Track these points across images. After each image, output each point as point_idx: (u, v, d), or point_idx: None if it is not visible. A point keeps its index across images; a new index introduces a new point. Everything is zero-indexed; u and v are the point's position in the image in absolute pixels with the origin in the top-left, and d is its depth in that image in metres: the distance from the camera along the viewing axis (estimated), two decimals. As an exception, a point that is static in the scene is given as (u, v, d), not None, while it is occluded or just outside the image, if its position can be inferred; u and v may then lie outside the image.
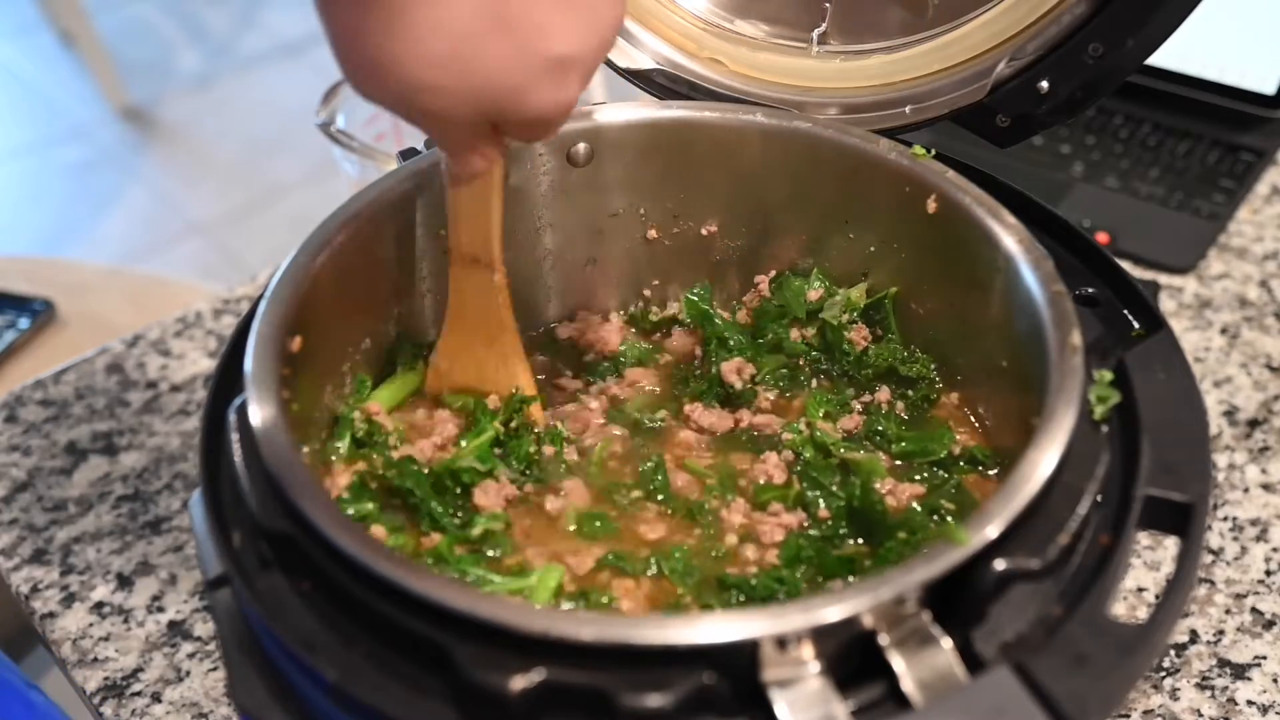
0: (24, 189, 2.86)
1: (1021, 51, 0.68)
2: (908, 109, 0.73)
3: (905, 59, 0.74)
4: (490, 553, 0.61)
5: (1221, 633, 0.78)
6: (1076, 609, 0.50)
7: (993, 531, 0.50)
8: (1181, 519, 0.54)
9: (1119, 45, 0.65)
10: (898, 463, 0.68)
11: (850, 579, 0.60)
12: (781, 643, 0.47)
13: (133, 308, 1.37)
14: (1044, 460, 0.52)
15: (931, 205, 0.68)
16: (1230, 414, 0.93)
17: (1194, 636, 0.78)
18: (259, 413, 0.56)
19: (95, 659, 0.79)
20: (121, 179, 2.87)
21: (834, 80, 0.76)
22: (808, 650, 0.47)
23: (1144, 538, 0.83)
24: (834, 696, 0.47)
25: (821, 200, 0.73)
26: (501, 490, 0.64)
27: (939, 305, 0.71)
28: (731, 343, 0.75)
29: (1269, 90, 1.15)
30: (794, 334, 0.75)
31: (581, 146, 0.72)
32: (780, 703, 0.47)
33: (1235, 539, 0.84)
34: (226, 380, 0.61)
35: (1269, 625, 0.79)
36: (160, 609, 0.82)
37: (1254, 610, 0.80)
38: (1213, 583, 0.81)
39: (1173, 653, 0.77)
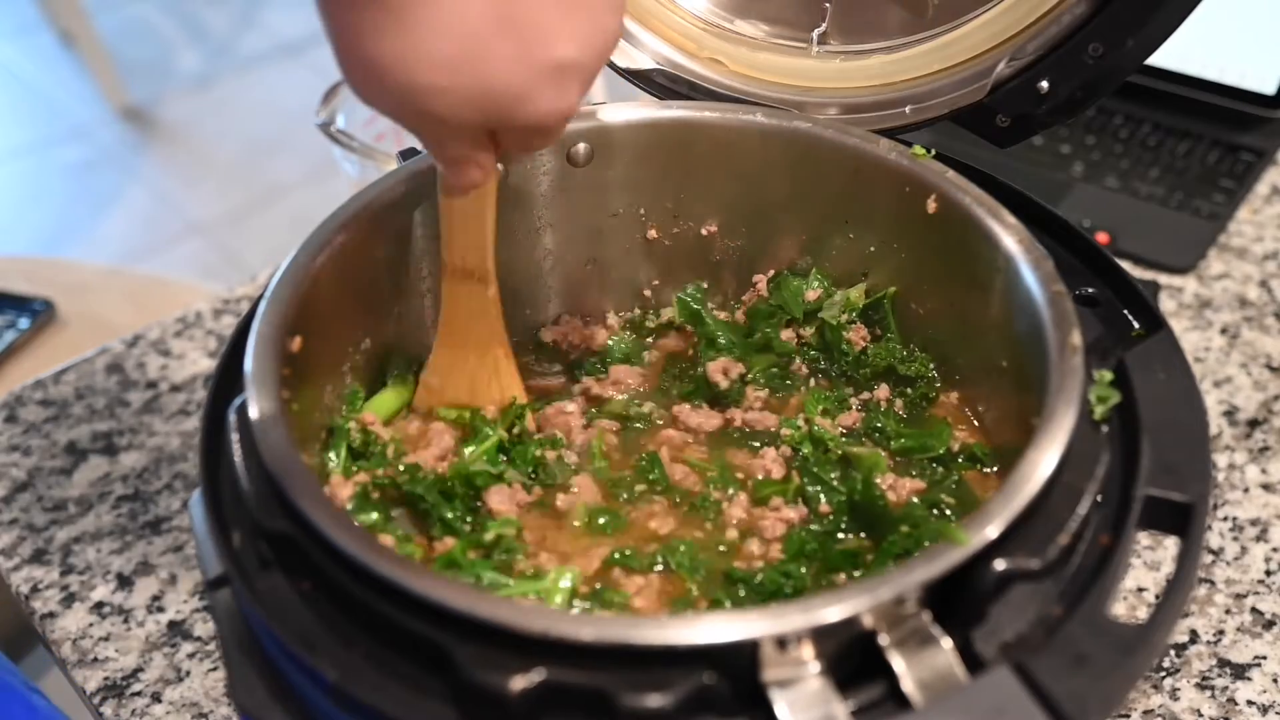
0: (24, 189, 2.86)
1: (1021, 51, 0.68)
2: (908, 109, 0.73)
3: (905, 59, 0.74)
4: (502, 557, 0.61)
5: (1221, 633, 0.78)
6: (1076, 609, 0.50)
7: (993, 531, 0.50)
8: (1181, 519, 0.54)
9: (1119, 45, 0.65)
10: (897, 459, 0.68)
11: (855, 573, 0.60)
12: (782, 643, 0.47)
13: (133, 308, 1.37)
14: (1044, 460, 0.52)
15: (931, 205, 0.68)
16: (1230, 414, 0.93)
17: (1194, 636, 0.78)
18: (259, 413, 0.56)
19: (95, 659, 0.79)
20: (121, 179, 2.87)
21: (834, 80, 0.76)
22: (808, 650, 0.47)
23: (1144, 538, 0.83)
24: (834, 696, 0.47)
25: (821, 200, 0.73)
26: (514, 496, 0.64)
27: (939, 305, 0.71)
28: (722, 342, 0.75)
29: (1269, 90, 1.15)
30: (785, 334, 0.75)
31: (581, 146, 0.72)
32: (780, 703, 0.47)
33: (1235, 539, 0.84)
34: (226, 380, 0.61)
35: (1269, 625, 0.79)
36: (160, 609, 0.82)
37: (1254, 610, 0.80)
38: (1213, 583, 0.81)
39: (1173, 653, 0.77)
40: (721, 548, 0.63)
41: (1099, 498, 0.54)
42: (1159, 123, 1.20)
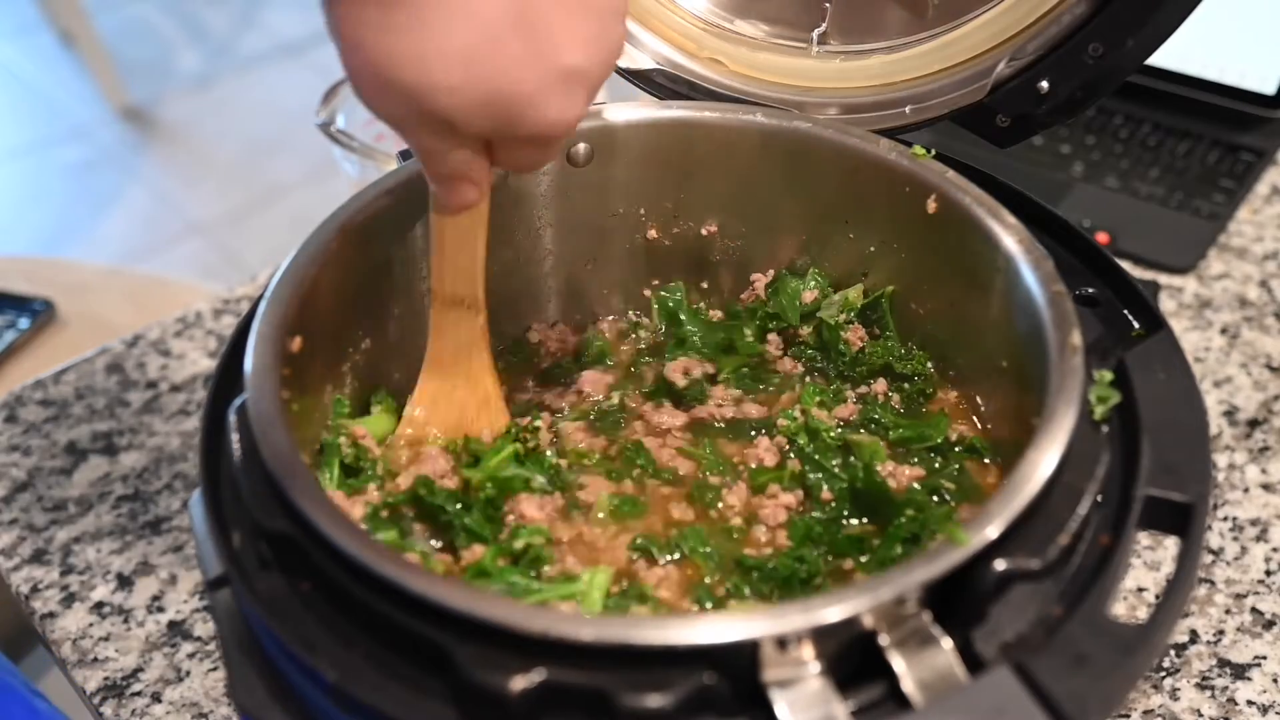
0: (24, 189, 2.86)
1: (1021, 51, 0.68)
2: (908, 109, 0.73)
3: (905, 59, 0.74)
4: (531, 563, 0.60)
5: (1221, 633, 0.78)
6: (1076, 609, 0.50)
7: (993, 532, 0.50)
8: (1181, 519, 0.54)
9: (1119, 45, 0.65)
10: (895, 449, 0.68)
11: (861, 558, 0.61)
12: (782, 643, 0.47)
13: (133, 308, 1.37)
14: (1044, 460, 0.52)
15: (931, 205, 0.68)
16: (1230, 414, 0.93)
17: (1194, 636, 0.78)
18: (259, 413, 0.56)
19: (95, 659, 0.79)
20: (121, 179, 2.87)
21: (834, 80, 0.76)
22: (808, 650, 0.47)
23: (1144, 538, 0.83)
24: (834, 697, 0.47)
25: (821, 200, 0.73)
26: (545, 504, 0.64)
27: (939, 305, 0.71)
28: (696, 341, 0.75)
29: (1269, 90, 1.15)
30: (772, 336, 0.75)
31: (581, 146, 0.72)
32: (780, 703, 0.47)
33: (1235, 539, 0.84)
34: (226, 380, 0.61)
35: (1269, 625, 0.79)
36: (160, 609, 0.82)
37: (1254, 610, 0.80)
38: (1213, 583, 0.81)
39: (1173, 653, 0.77)
40: (734, 535, 0.64)
41: (1099, 498, 0.54)
42: (1159, 123, 1.20)
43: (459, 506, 0.62)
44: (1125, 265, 0.69)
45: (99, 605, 0.83)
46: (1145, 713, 0.74)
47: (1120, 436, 0.57)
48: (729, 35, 0.79)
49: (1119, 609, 0.80)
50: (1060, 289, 0.60)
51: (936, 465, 0.67)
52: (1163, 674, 0.76)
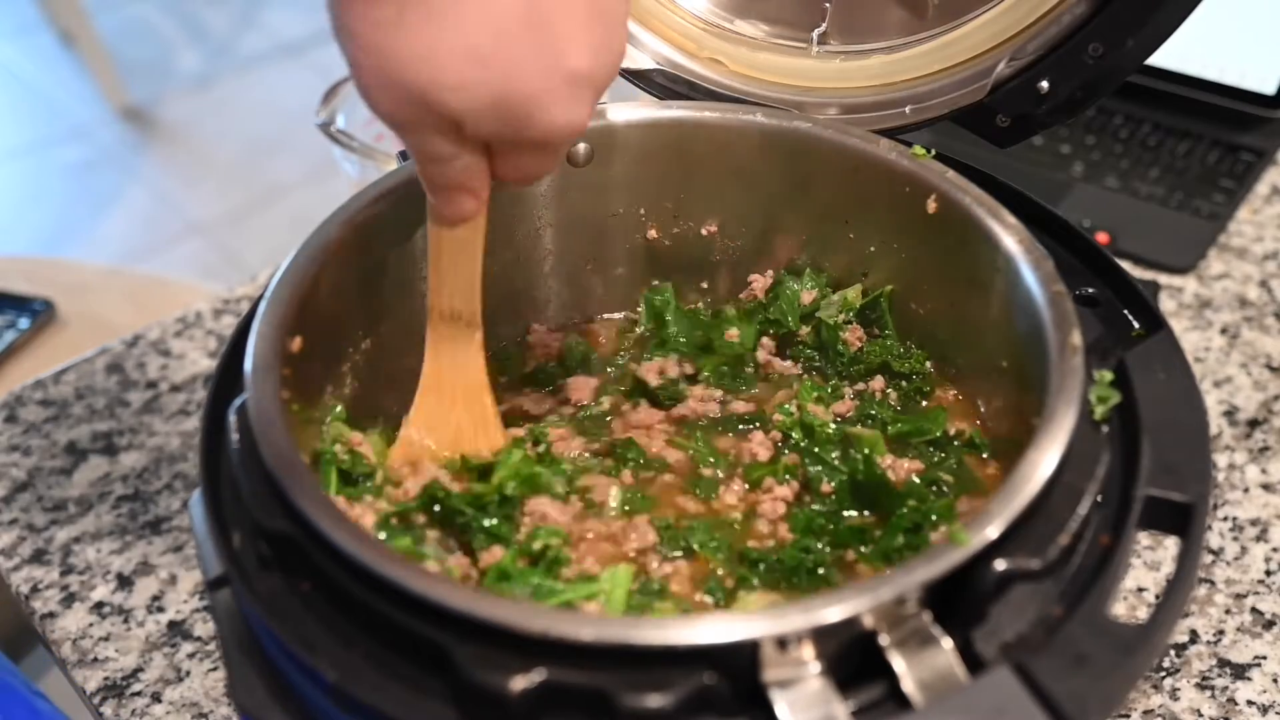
0: (24, 189, 2.86)
1: (1021, 51, 0.68)
2: (908, 109, 0.73)
3: (905, 59, 0.74)
4: (550, 565, 0.60)
5: (1221, 633, 0.78)
6: (1076, 609, 0.50)
7: (993, 532, 0.50)
8: (1181, 519, 0.54)
9: (1119, 45, 0.65)
10: (893, 444, 0.68)
11: (863, 548, 0.61)
12: (782, 643, 0.47)
13: (133, 308, 1.37)
14: (1044, 460, 0.52)
15: (931, 205, 0.68)
16: (1230, 414, 0.93)
17: (1194, 636, 0.78)
18: (259, 413, 0.56)
19: (95, 659, 0.79)
20: (121, 179, 2.87)
21: (834, 80, 0.76)
22: (808, 650, 0.47)
23: (1144, 538, 0.83)
24: (834, 697, 0.47)
25: (821, 200, 0.73)
26: (567, 509, 0.63)
27: (939, 305, 0.71)
28: (676, 341, 0.75)
29: (1269, 90, 1.15)
30: (766, 340, 0.75)
31: (581, 146, 0.72)
32: (781, 703, 0.47)
33: (1235, 539, 0.84)
34: (226, 380, 0.61)
35: (1269, 625, 0.79)
36: (160, 609, 0.82)
37: (1254, 610, 0.80)
38: (1213, 583, 0.81)
39: (1173, 653, 0.77)
40: (736, 528, 0.64)
41: (1099, 498, 0.54)
42: (1159, 123, 1.20)
43: (476, 509, 0.61)
44: (1125, 265, 0.69)
45: (99, 605, 0.83)
46: (1145, 713, 0.74)
47: (1120, 436, 0.57)
48: (729, 35, 0.79)
49: (1119, 609, 0.80)
50: (1060, 289, 0.60)
51: (935, 459, 0.67)
52: (1163, 674, 0.76)
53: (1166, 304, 1.03)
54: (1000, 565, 0.50)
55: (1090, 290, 0.65)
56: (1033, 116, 0.70)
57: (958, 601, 0.49)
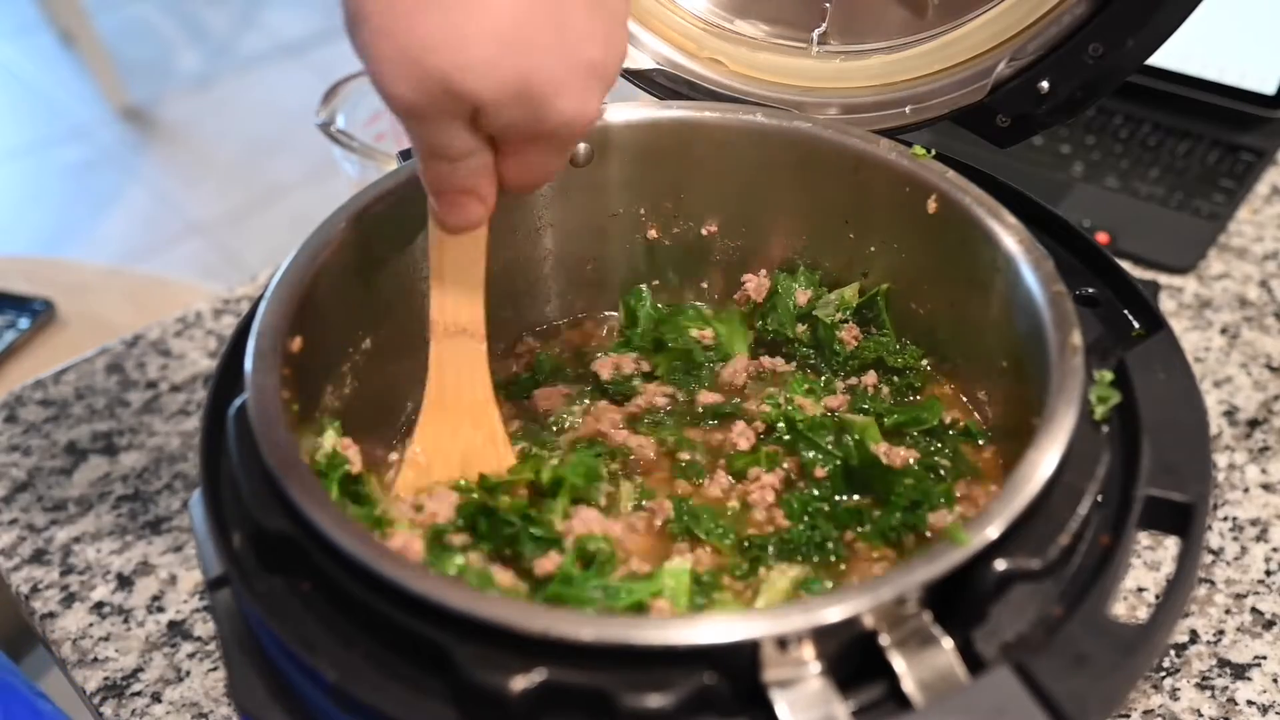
0: (24, 189, 2.86)
1: (1021, 51, 0.68)
2: (908, 109, 0.73)
3: (905, 59, 0.74)
4: (600, 568, 0.59)
5: (1221, 633, 0.78)
6: (1077, 609, 0.50)
7: (993, 532, 0.50)
8: (1181, 519, 0.54)
9: (1119, 45, 0.65)
10: (889, 435, 0.68)
11: (860, 528, 0.62)
12: (782, 643, 0.47)
13: (133, 308, 1.37)
14: (1044, 460, 0.52)
15: (931, 205, 0.68)
16: (1230, 414, 0.93)
17: (1194, 636, 0.78)
18: (259, 413, 0.56)
19: (95, 659, 0.79)
20: (121, 179, 2.87)
21: (834, 80, 0.76)
22: (808, 650, 0.47)
23: (1144, 538, 0.83)
24: (835, 697, 0.47)
25: (821, 200, 0.73)
26: (606, 523, 0.63)
27: (939, 305, 0.71)
28: (637, 339, 0.75)
29: (1269, 90, 1.15)
30: (696, 333, 0.75)
31: (582, 146, 0.72)
32: (781, 703, 0.47)
33: (1235, 539, 0.84)
34: (226, 380, 0.61)
35: (1269, 625, 0.79)
36: (160, 609, 0.82)
37: (1254, 610, 0.80)
38: (1213, 583, 0.81)
39: (1173, 653, 0.77)
40: (730, 512, 0.65)
41: (1099, 498, 0.54)
42: (1159, 123, 1.20)
43: (522, 517, 0.60)
44: (1125, 265, 0.69)
45: (99, 605, 0.83)
46: (1145, 713, 0.74)
47: (1120, 436, 0.57)
48: (729, 35, 0.79)
49: (1119, 609, 0.80)
50: (1060, 289, 0.60)
51: (931, 448, 0.67)
52: (1163, 674, 0.76)
53: (1166, 304, 1.03)
54: (1000, 565, 0.50)
55: (1090, 290, 0.65)
56: (1033, 116, 0.70)
57: (958, 601, 0.49)
